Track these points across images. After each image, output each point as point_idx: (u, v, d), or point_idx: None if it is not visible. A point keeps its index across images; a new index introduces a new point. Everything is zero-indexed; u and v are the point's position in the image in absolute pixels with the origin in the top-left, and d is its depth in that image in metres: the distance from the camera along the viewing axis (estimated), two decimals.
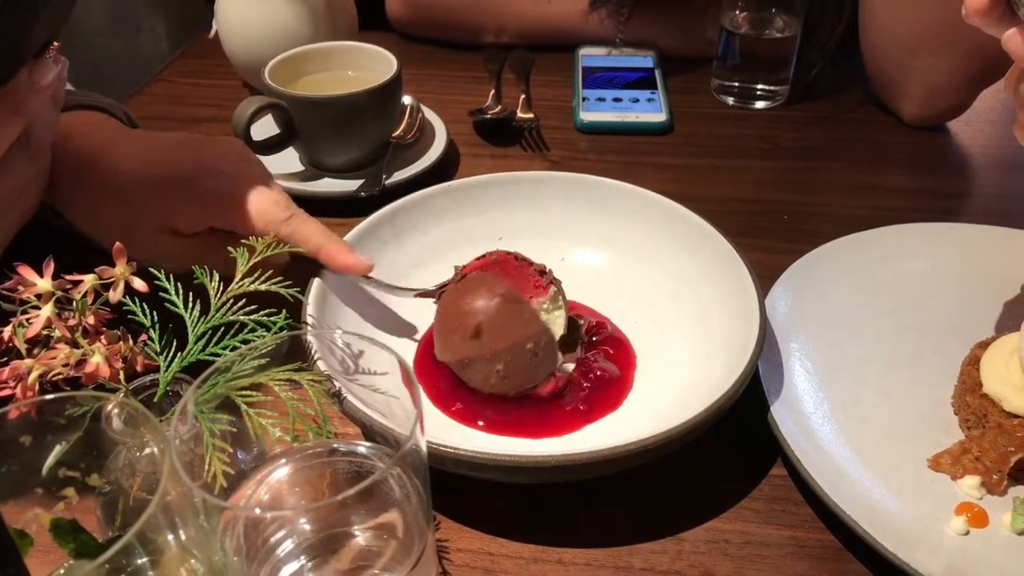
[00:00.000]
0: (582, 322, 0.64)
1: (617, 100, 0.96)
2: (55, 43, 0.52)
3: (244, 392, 0.42)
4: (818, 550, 0.50)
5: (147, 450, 0.42)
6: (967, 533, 0.50)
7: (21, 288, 0.43)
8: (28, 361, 0.42)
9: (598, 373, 0.60)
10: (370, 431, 0.47)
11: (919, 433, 0.56)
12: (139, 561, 0.35)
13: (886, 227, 0.71)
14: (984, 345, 0.58)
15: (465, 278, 0.60)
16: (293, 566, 0.41)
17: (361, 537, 0.42)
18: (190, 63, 1.10)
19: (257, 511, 0.42)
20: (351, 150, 0.83)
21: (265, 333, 0.48)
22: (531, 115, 0.93)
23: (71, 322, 0.43)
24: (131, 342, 0.45)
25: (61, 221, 0.62)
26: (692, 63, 1.04)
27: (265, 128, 0.81)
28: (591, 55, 1.06)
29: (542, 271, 0.60)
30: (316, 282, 0.60)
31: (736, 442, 0.57)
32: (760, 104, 0.98)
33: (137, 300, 0.47)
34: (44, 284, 0.43)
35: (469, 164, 0.88)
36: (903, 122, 0.94)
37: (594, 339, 0.63)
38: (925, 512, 0.51)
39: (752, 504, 0.53)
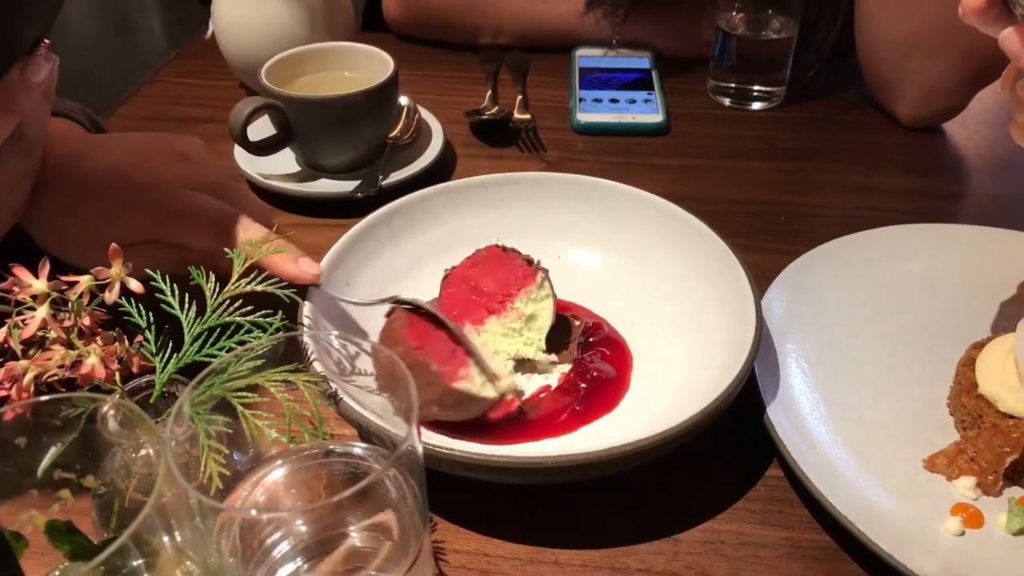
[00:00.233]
0: (578, 323, 0.64)
1: (614, 101, 0.96)
2: (46, 40, 0.52)
3: (240, 393, 0.42)
4: (814, 551, 0.50)
5: (143, 451, 0.42)
6: (962, 534, 0.50)
7: (17, 289, 0.43)
8: (23, 362, 0.42)
9: (594, 374, 0.60)
10: (366, 432, 0.47)
11: (915, 434, 0.56)
12: (135, 563, 0.35)
13: (882, 228, 0.71)
14: (980, 346, 0.59)
15: (389, 322, 0.58)
16: (289, 567, 0.41)
17: (357, 538, 0.42)
18: (186, 63, 1.10)
19: (253, 512, 0.42)
20: (348, 151, 0.83)
21: (261, 334, 0.48)
22: (528, 116, 0.93)
23: (67, 323, 0.43)
24: (127, 343, 0.45)
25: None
26: (689, 64, 1.04)
27: (262, 129, 0.81)
28: (588, 56, 1.06)
29: (529, 260, 0.62)
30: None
31: (732, 443, 0.57)
32: (756, 105, 0.98)
33: (133, 301, 0.47)
34: (40, 285, 0.43)
35: (466, 165, 0.88)
36: (899, 123, 0.94)
37: (590, 340, 0.63)
38: (921, 513, 0.51)
39: (748, 505, 0.53)
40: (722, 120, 0.97)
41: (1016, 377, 0.54)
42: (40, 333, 0.43)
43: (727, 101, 0.99)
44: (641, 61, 1.04)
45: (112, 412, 0.40)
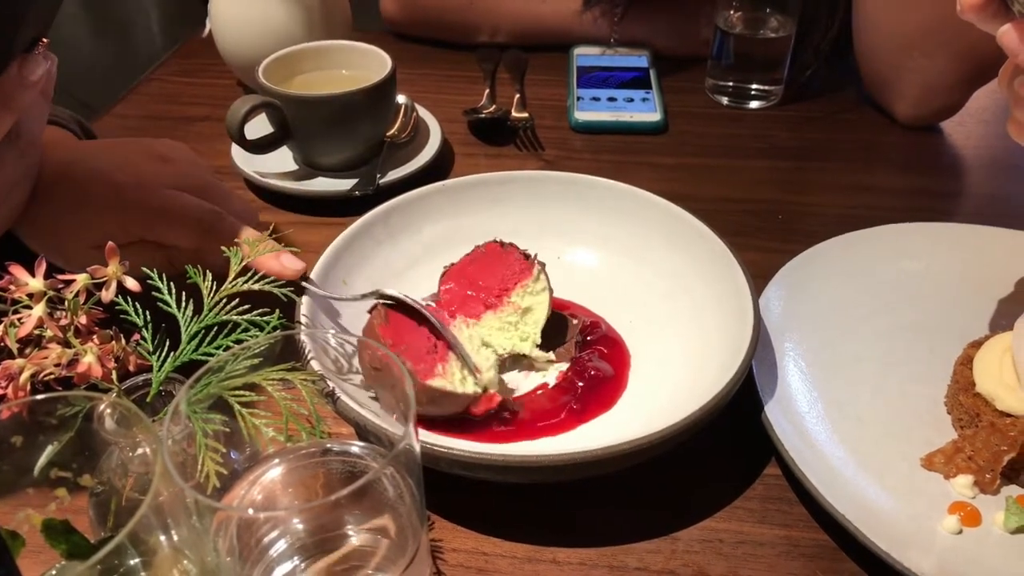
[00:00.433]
0: (576, 321, 0.64)
1: (612, 100, 0.96)
2: (44, 39, 0.52)
3: (237, 392, 0.42)
4: (812, 549, 0.50)
5: (139, 450, 0.42)
6: (960, 532, 0.50)
7: (13, 287, 0.43)
8: (20, 361, 0.42)
9: (592, 372, 0.60)
10: (364, 431, 0.47)
11: (912, 432, 0.56)
12: (131, 562, 0.35)
13: (880, 227, 0.71)
14: (977, 344, 0.59)
15: (370, 319, 0.58)
16: (286, 567, 0.41)
17: (355, 537, 0.42)
18: (183, 62, 1.10)
19: (250, 511, 0.42)
20: (345, 149, 0.83)
21: (258, 333, 0.48)
22: (526, 114, 0.93)
23: (63, 322, 0.43)
24: (123, 342, 0.45)
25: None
26: (686, 63, 1.04)
27: (259, 127, 0.80)
28: (586, 55, 1.06)
29: (526, 255, 0.62)
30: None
31: (730, 441, 0.57)
32: (754, 104, 0.98)
33: (130, 300, 0.47)
34: (36, 283, 0.43)
35: (464, 163, 0.88)
36: (897, 122, 0.95)
37: (588, 338, 0.63)
38: (918, 511, 0.51)
39: (746, 503, 0.53)
40: (720, 119, 0.97)
41: (1014, 375, 0.54)
42: (36, 331, 0.43)
43: (725, 100, 0.99)
44: (639, 60, 1.04)
45: (109, 411, 0.40)
